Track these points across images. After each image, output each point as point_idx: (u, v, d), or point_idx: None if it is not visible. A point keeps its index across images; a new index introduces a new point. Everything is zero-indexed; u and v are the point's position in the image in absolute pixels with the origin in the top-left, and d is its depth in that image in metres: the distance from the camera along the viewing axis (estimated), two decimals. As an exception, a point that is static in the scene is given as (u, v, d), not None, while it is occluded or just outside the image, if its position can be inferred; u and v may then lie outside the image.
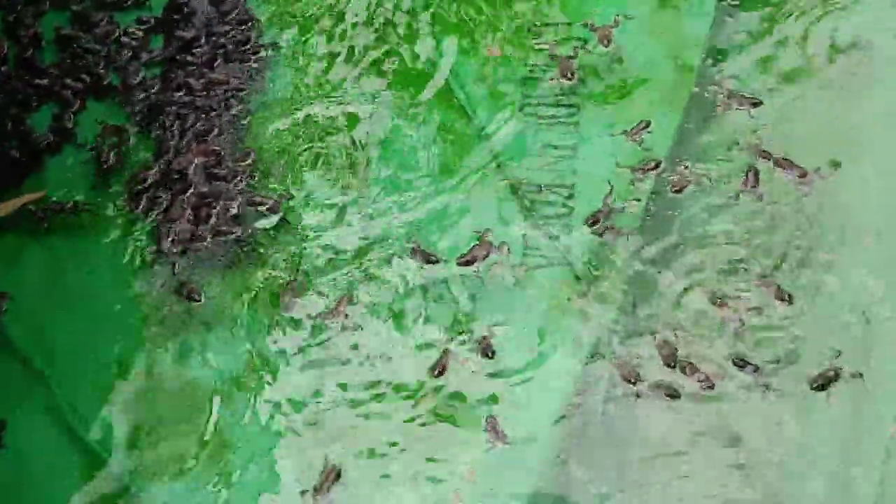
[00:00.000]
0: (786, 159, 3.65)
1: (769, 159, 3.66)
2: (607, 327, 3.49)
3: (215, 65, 4.09)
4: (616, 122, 3.85)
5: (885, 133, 3.68)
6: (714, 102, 3.81)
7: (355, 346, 3.55)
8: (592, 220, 3.60)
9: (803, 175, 3.61)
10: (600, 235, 3.59)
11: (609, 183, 3.72)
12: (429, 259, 3.60)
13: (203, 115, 3.99)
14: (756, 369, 3.30)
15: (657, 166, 3.69)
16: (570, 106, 3.90)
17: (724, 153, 3.74)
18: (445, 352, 3.45)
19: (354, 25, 4.14)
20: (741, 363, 3.31)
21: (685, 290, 3.48)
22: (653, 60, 3.95)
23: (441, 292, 3.60)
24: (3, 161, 4.03)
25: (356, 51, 4.11)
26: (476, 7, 4.13)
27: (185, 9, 4.23)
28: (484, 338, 3.48)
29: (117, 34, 4.20)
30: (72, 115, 4.09)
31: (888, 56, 3.84)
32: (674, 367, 3.33)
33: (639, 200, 3.69)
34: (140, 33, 4.20)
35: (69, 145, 4.05)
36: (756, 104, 3.78)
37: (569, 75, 3.85)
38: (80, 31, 4.22)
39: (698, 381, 3.30)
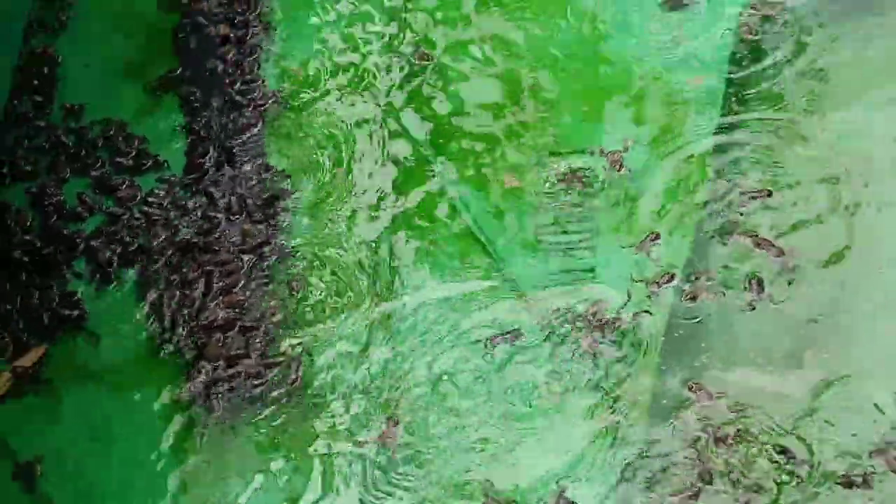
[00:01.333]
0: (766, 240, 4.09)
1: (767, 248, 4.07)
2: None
3: (238, 220, 4.49)
4: (629, 238, 4.21)
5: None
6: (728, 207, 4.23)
7: None
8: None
9: (780, 254, 4.03)
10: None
11: (628, 294, 4.08)
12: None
13: (227, 268, 4.40)
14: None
15: (671, 279, 4.05)
16: (585, 230, 4.28)
17: (738, 259, 4.10)
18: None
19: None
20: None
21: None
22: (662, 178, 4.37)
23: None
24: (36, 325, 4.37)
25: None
26: (483, 139, 4.58)
27: (205, 165, 4.65)
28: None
29: (139, 197, 4.63)
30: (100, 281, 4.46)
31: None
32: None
33: (650, 313, 4.04)
34: (163, 193, 4.59)
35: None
36: (770, 193, 4.19)
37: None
38: (103, 195, 4.66)
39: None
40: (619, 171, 4.35)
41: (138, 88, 4.87)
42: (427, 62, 4.73)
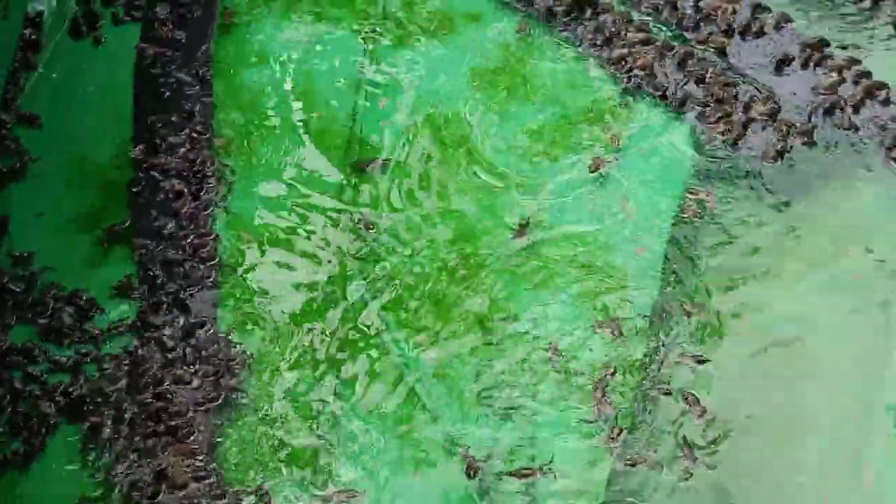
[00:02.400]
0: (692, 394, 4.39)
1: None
2: None
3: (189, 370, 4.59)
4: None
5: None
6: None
7: None
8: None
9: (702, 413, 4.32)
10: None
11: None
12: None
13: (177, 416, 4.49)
14: None
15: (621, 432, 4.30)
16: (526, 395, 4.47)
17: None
18: None
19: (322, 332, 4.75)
20: None
21: None
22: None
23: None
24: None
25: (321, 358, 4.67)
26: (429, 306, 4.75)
27: (158, 315, 4.76)
28: None
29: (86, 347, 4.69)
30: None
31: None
32: None
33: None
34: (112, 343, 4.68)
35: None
36: (701, 361, 4.47)
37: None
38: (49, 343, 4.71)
39: None
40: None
41: (90, 239, 5.02)
42: (371, 230, 4.93)
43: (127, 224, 5.05)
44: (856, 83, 5.12)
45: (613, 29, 5.41)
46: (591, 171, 4.93)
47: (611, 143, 5.06)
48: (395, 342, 4.62)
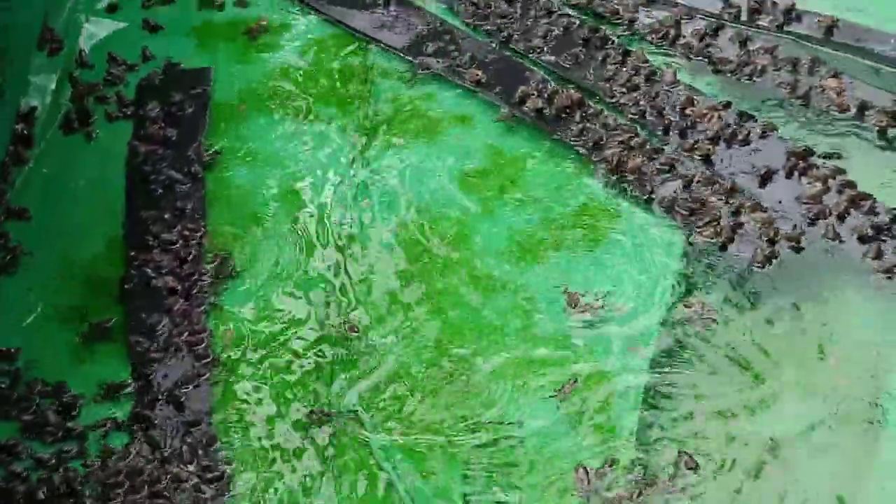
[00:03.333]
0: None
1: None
2: None
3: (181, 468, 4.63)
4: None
5: None
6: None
7: None
8: None
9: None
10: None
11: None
12: None
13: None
14: None
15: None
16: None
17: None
18: None
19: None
20: None
21: None
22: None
23: None
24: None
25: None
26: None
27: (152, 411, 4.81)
28: None
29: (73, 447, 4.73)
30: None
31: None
32: None
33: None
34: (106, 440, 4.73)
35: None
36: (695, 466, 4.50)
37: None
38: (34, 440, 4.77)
39: None
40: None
41: (77, 334, 5.10)
42: (355, 334, 5.01)
43: (114, 320, 5.13)
44: (840, 192, 5.24)
45: (602, 132, 5.55)
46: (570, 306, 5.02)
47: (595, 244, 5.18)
48: (379, 442, 4.68)
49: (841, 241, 5.11)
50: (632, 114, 5.73)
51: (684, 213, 5.24)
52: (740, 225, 5.16)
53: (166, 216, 5.49)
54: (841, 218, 5.17)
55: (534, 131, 5.73)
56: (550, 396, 4.75)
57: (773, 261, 5.06)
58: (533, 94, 5.80)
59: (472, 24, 6.39)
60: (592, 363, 4.84)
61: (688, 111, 5.66)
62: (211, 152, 5.80)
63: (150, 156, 5.75)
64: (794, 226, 5.15)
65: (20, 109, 6.01)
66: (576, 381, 4.76)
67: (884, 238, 5.07)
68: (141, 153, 5.76)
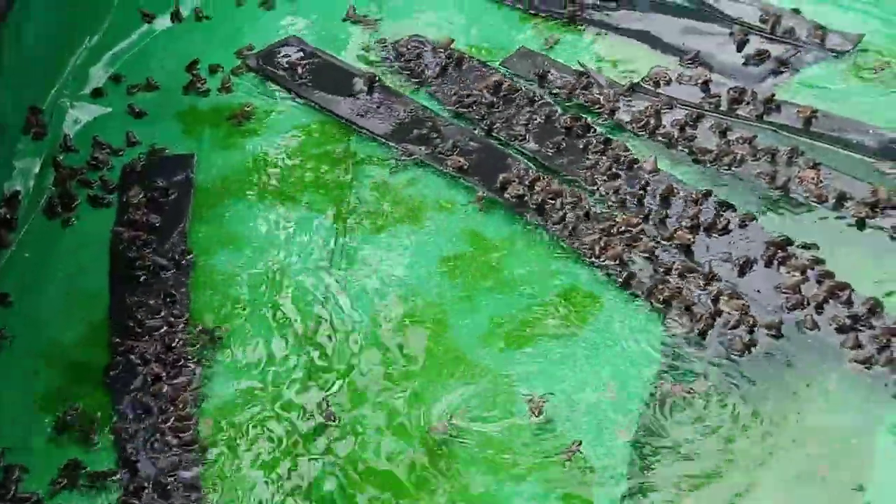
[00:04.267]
0: None
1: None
2: None
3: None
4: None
5: None
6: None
7: None
8: None
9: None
10: None
11: None
12: None
13: None
14: None
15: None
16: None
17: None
18: None
19: None
20: None
21: None
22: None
23: None
24: None
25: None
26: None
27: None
28: None
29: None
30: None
31: None
32: None
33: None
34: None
35: None
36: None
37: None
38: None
39: None
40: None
41: (56, 420, 5.13)
42: (334, 421, 5.08)
43: (99, 409, 5.19)
44: (819, 283, 5.35)
45: (582, 220, 5.67)
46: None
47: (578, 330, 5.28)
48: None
49: (819, 330, 5.19)
50: (612, 201, 5.85)
51: (663, 300, 5.33)
52: (719, 313, 5.26)
53: (151, 302, 5.56)
54: (819, 308, 5.27)
55: (516, 217, 5.84)
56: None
57: (752, 349, 5.14)
58: (514, 181, 5.92)
59: (455, 111, 6.53)
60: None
61: (668, 200, 5.77)
62: (193, 237, 5.89)
63: (134, 242, 5.84)
64: (774, 313, 5.24)
65: (3, 193, 6.10)
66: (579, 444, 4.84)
67: (862, 328, 5.16)
68: (124, 239, 5.85)
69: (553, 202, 5.81)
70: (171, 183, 6.18)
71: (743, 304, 5.27)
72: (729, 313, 5.26)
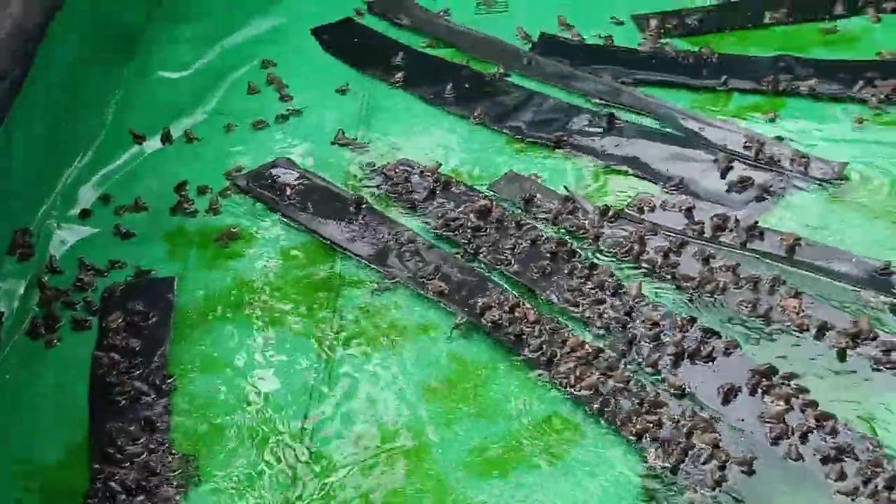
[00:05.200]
0: None
1: None
2: None
3: None
4: None
5: None
6: None
7: None
8: None
9: None
10: None
11: None
12: None
13: None
14: None
15: None
16: None
17: None
18: None
19: None
20: None
21: None
22: None
23: None
24: None
25: None
26: None
27: None
28: None
29: None
30: None
31: None
32: None
33: None
34: None
35: None
36: None
37: None
38: None
39: None
40: None
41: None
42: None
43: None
44: (803, 412, 5.35)
45: (560, 347, 5.70)
46: None
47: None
48: None
49: (803, 461, 5.18)
50: (597, 327, 5.88)
51: (635, 433, 5.32)
52: (692, 446, 5.25)
53: (131, 428, 5.55)
54: (804, 438, 5.26)
55: (497, 342, 5.85)
56: None
57: (723, 484, 5.11)
58: (493, 307, 5.96)
59: (441, 234, 6.60)
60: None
61: (651, 326, 5.80)
62: (173, 360, 5.92)
63: (114, 367, 5.85)
64: (754, 445, 5.23)
65: (-14, 315, 6.16)
66: None
67: (846, 459, 5.15)
68: (104, 364, 5.87)
69: (531, 329, 5.83)
70: (152, 306, 6.21)
71: (715, 438, 5.25)
72: (703, 447, 5.24)
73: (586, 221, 6.56)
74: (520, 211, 6.76)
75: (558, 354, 5.68)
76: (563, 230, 6.59)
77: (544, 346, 5.74)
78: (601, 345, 5.76)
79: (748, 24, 8.40)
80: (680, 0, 8.71)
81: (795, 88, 7.49)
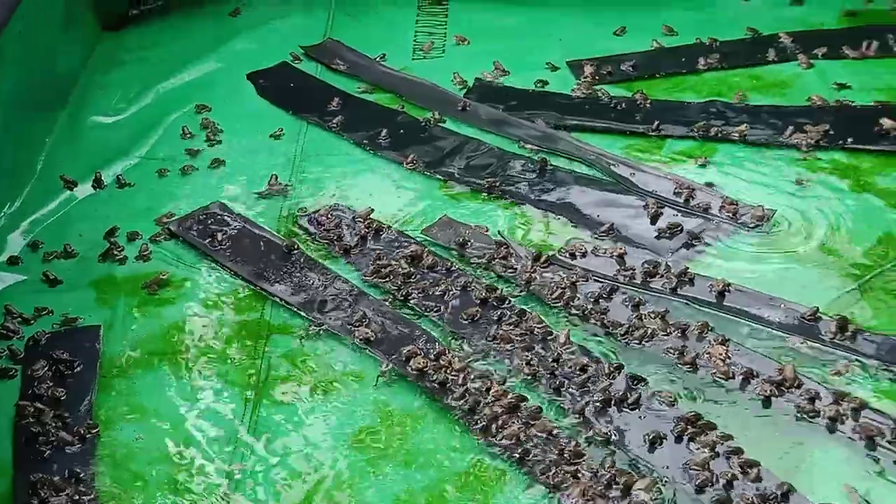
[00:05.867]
0: None
1: None
2: None
3: None
4: None
5: None
6: None
7: None
8: None
9: None
10: None
11: None
12: None
13: None
14: None
15: None
16: None
17: None
18: None
19: None
20: None
21: None
22: None
23: None
24: None
25: None
26: None
27: None
28: None
29: None
30: None
31: None
32: None
33: None
34: None
35: None
36: None
37: None
38: None
39: None
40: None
41: None
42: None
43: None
44: (728, 459, 5.37)
45: (483, 395, 5.70)
46: None
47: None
48: None
49: (729, 508, 5.20)
50: (525, 374, 5.88)
51: (554, 485, 5.32)
52: (612, 495, 5.24)
53: (56, 479, 5.48)
54: (729, 485, 5.28)
55: (422, 390, 5.84)
56: None
57: (642, 534, 5.14)
58: (419, 354, 5.95)
59: (371, 281, 6.59)
60: None
61: (579, 373, 5.82)
62: (100, 411, 5.86)
63: (38, 416, 5.79)
64: (674, 498, 5.24)
65: None
66: None
67: (772, 507, 5.18)
68: (28, 413, 5.80)
69: (456, 377, 5.83)
70: (78, 355, 6.16)
71: (637, 486, 5.26)
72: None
73: (518, 266, 6.58)
74: (453, 256, 6.75)
75: (481, 403, 5.68)
76: (495, 276, 6.59)
77: (467, 394, 5.74)
78: (525, 393, 5.75)
79: (682, 70, 8.47)
80: (616, 47, 8.78)
81: (727, 134, 7.57)
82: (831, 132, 7.48)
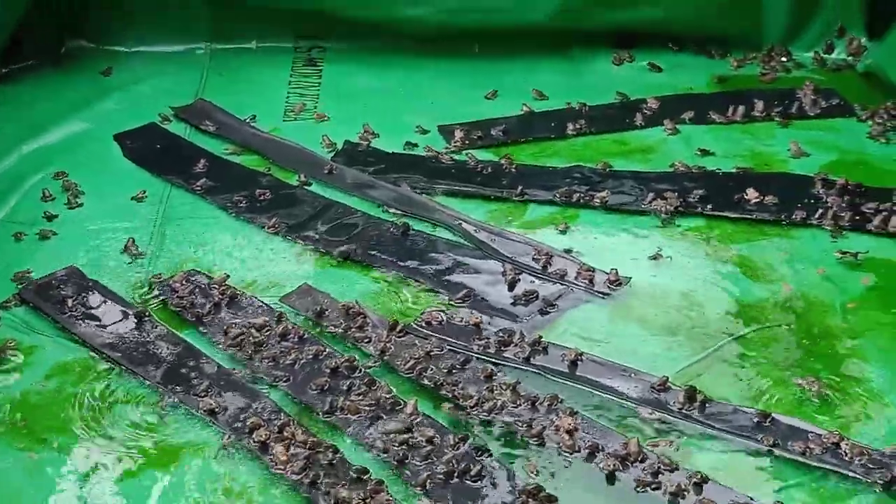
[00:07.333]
0: None
1: None
2: None
3: None
4: None
5: None
6: None
7: None
8: None
9: None
10: None
11: None
12: None
13: None
14: None
15: None
16: None
17: None
18: None
19: None
20: None
21: None
22: None
23: None
24: None
25: None
26: None
27: None
28: None
29: None
30: None
31: None
32: None
33: None
34: None
35: None
36: None
37: None
38: None
39: None
40: None
41: None
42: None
43: None
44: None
45: (325, 469, 5.63)
46: None
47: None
48: None
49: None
50: (368, 446, 5.80)
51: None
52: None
53: None
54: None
55: (265, 463, 5.74)
56: None
57: None
58: (262, 425, 5.84)
59: (223, 350, 6.49)
60: None
61: (424, 444, 5.76)
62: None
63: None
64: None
65: None
66: None
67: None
68: None
69: (298, 451, 5.73)
70: None
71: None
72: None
73: (374, 335, 6.52)
74: (310, 325, 6.68)
75: (321, 476, 5.58)
76: (350, 345, 6.53)
77: (308, 467, 5.64)
78: (366, 466, 5.67)
79: (550, 135, 8.52)
80: (487, 111, 8.83)
81: (588, 200, 7.60)
82: (691, 199, 7.54)
